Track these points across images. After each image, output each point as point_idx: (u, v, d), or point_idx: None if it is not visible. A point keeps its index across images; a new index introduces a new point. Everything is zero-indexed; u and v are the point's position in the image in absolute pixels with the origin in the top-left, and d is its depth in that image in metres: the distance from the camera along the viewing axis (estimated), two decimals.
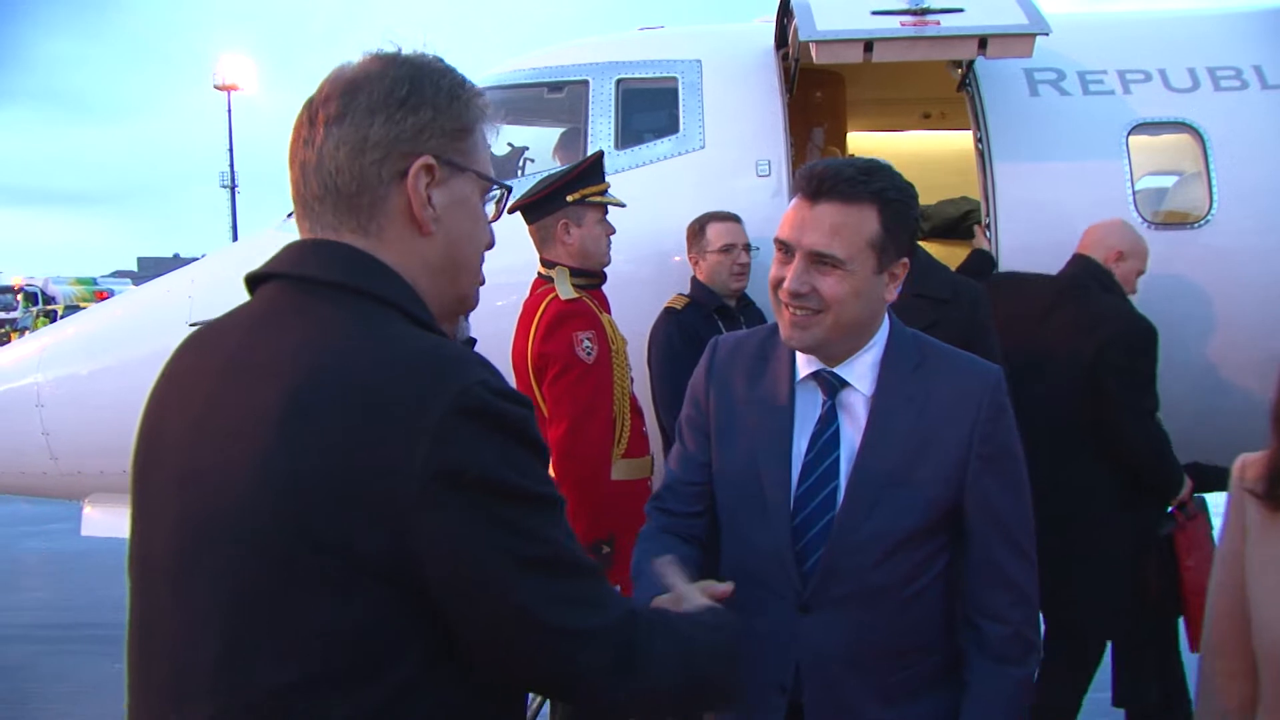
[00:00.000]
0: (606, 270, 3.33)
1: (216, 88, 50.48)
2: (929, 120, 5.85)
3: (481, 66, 4.66)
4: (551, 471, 2.64)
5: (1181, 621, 3.55)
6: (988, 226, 4.05)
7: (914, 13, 3.73)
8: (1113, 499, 3.36)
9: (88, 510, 4.25)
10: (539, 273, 3.28)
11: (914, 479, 1.68)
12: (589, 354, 3.08)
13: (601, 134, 4.09)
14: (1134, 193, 4.03)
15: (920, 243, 5.19)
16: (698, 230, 3.63)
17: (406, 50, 1.22)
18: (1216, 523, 3.60)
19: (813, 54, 3.78)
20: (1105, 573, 3.36)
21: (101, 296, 29.58)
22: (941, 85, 4.42)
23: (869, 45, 3.76)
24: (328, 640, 1.04)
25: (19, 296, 33.77)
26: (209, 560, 1.07)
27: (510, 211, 3.02)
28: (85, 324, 4.51)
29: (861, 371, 1.73)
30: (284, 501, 1.04)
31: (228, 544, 1.06)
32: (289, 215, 4.32)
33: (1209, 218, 4.01)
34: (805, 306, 1.66)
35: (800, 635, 1.72)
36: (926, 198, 6.03)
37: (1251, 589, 1.44)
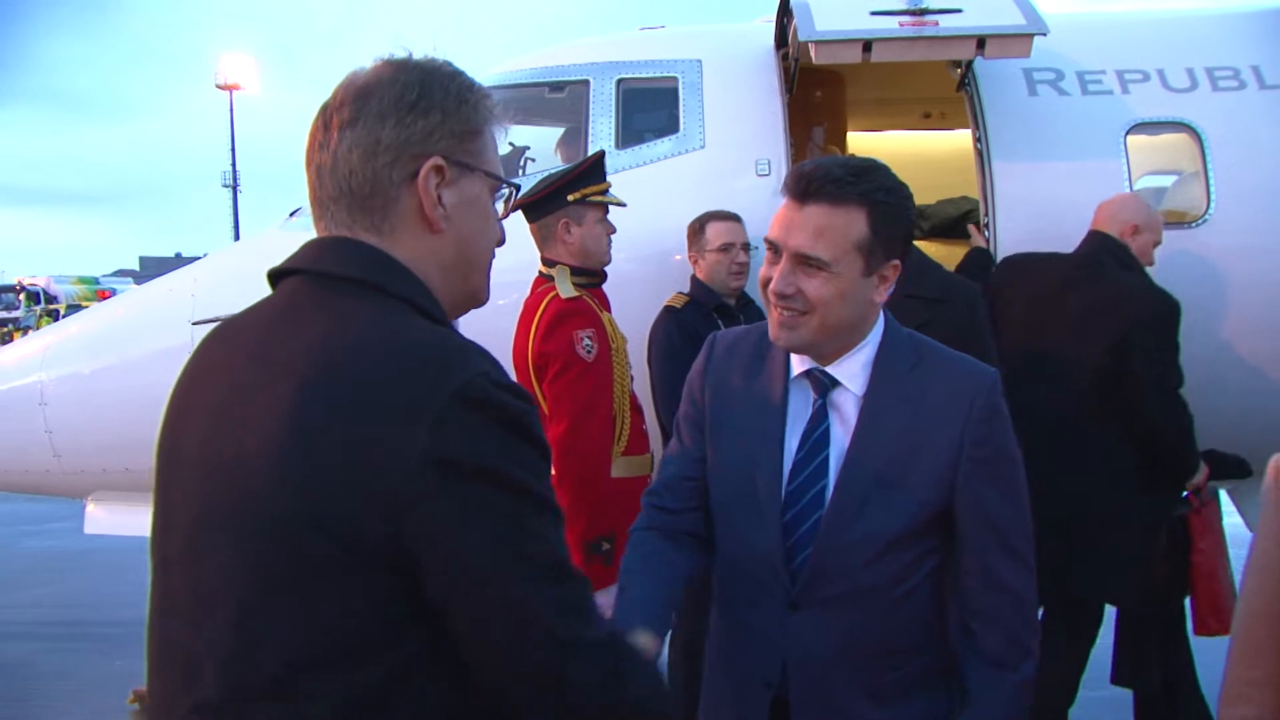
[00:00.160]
0: (607, 269, 3.35)
1: (218, 87, 50.52)
2: (929, 120, 5.86)
3: (483, 66, 4.68)
4: (552, 469, 2.66)
5: (1188, 604, 3.57)
6: (986, 225, 4.07)
7: (913, 13, 3.75)
8: (1133, 480, 3.36)
9: (90, 508, 4.27)
10: (540, 271, 3.30)
11: (905, 480, 1.66)
12: (589, 352, 3.10)
13: (602, 133, 4.10)
14: (1132, 192, 4.05)
15: (920, 242, 5.22)
16: (698, 229, 3.65)
17: (417, 55, 1.26)
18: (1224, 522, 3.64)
19: (812, 54, 3.80)
20: (1121, 553, 3.36)
21: (103, 296, 29.59)
22: (941, 85, 4.43)
23: (868, 45, 3.77)
24: (331, 624, 1.08)
25: (21, 296, 33.80)
26: (223, 545, 1.11)
27: (511, 211, 3.05)
28: (88, 323, 4.53)
29: (853, 371, 1.72)
30: (299, 491, 1.07)
31: (242, 530, 1.10)
32: (291, 214, 4.33)
33: (1206, 217, 4.02)
34: (791, 307, 1.66)
35: (789, 633, 1.72)
36: (926, 197, 6.04)
37: None
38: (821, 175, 1.63)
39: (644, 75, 4.23)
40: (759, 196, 3.91)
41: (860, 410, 1.70)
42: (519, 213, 3.24)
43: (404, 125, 1.19)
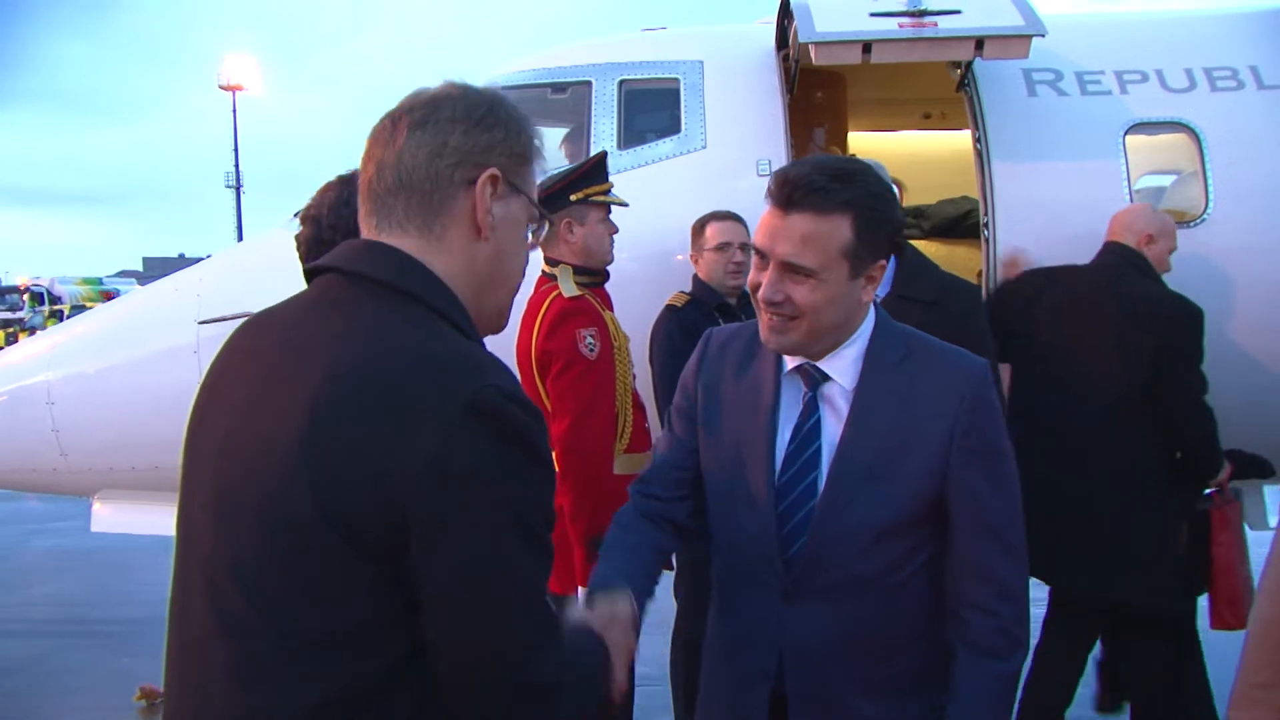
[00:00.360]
0: (609, 268, 3.37)
1: (221, 88, 50.46)
2: (929, 120, 5.88)
3: (485, 67, 4.71)
4: (554, 466, 2.68)
5: (1204, 599, 3.59)
6: (986, 225, 4.09)
7: (912, 14, 3.77)
8: (1158, 480, 3.39)
9: (97, 507, 4.29)
10: (543, 271, 3.32)
11: (896, 471, 1.68)
12: (592, 350, 3.13)
13: (604, 134, 4.13)
14: (1131, 192, 4.06)
15: (920, 242, 5.24)
16: (699, 229, 3.67)
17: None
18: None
19: (812, 55, 3.82)
20: (1147, 553, 3.38)
21: (107, 296, 29.66)
22: (941, 85, 4.45)
23: (867, 47, 3.80)
24: (334, 611, 1.12)
25: (25, 297, 33.90)
26: (242, 524, 1.16)
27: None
28: (95, 322, 4.54)
29: (843, 366, 1.74)
30: (312, 480, 1.11)
31: (260, 513, 1.14)
32: (295, 214, 4.35)
33: (1205, 217, 4.04)
34: (780, 313, 1.68)
35: (785, 624, 1.74)
36: (926, 197, 6.07)
37: None
38: (805, 184, 1.64)
39: (646, 76, 4.26)
40: (760, 197, 3.86)
41: (851, 403, 1.72)
42: None
43: (470, 134, 1.28)
